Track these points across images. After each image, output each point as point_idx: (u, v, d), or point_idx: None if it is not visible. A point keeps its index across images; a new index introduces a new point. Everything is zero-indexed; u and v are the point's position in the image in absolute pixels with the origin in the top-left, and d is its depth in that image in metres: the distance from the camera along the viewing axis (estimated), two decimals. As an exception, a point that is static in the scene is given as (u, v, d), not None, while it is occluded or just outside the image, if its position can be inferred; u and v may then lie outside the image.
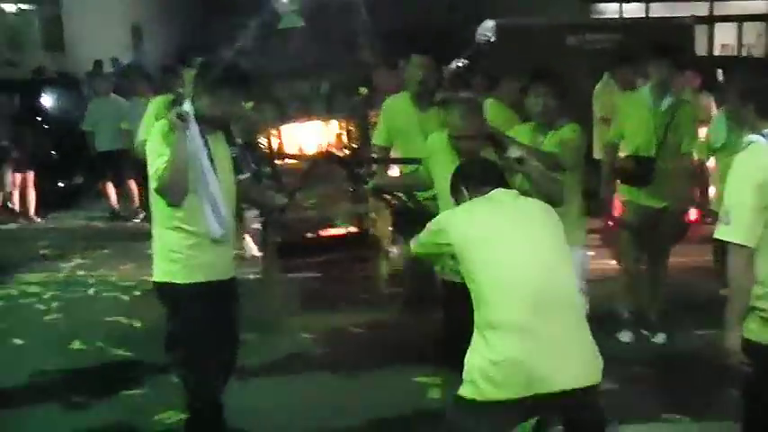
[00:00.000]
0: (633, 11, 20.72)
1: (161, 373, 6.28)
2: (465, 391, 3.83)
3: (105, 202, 13.01)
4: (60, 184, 13.95)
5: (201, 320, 4.75)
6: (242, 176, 5.05)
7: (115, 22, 22.71)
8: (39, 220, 12.78)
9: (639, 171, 6.71)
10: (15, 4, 22.52)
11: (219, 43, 18.00)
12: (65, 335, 7.41)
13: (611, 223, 9.49)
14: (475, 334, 3.89)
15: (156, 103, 6.39)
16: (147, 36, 24.67)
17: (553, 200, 4.79)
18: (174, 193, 4.61)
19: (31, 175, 12.74)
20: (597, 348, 3.89)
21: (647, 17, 19.91)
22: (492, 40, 12.84)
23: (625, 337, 6.88)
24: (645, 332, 6.94)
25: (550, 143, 5.56)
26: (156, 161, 4.60)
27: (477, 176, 4.32)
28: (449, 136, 5.08)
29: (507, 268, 3.85)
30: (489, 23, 13.26)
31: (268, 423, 5.56)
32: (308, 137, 7.82)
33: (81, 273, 9.68)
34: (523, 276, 3.84)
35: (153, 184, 4.64)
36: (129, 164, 12.55)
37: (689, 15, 14.61)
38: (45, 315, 8.13)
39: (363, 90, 7.84)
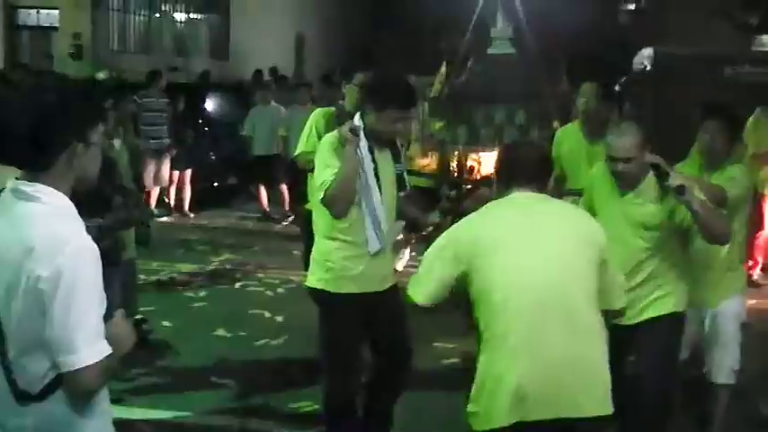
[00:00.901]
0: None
1: (300, 364, 6.57)
2: (472, 421, 3.65)
3: (257, 203, 13.48)
4: (215, 184, 14.52)
5: (346, 329, 4.88)
6: (402, 193, 5.11)
7: (280, 32, 23.42)
8: (191, 215, 13.29)
9: None
10: (186, 13, 23.52)
11: (383, 57, 18.44)
12: (210, 322, 7.75)
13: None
14: (480, 352, 3.67)
15: (316, 114, 6.47)
16: (310, 47, 25.30)
17: (716, 236, 4.57)
18: (340, 205, 4.70)
19: (188, 173, 13.30)
20: (609, 377, 3.63)
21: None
22: (648, 68, 12.79)
23: None
24: None
25: (717, 183, 5.15)
26: (324, 173, 4.69)
27: (504, 171, 3.95)
28: (606, 157, 4.79)
29: (513, 279, 3.56)
30: (647, 51, 13.19)
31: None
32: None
33: (229, 267, 10.07)
34: (529, 288, 3.55)
35: (318, 195, 4.71)
36: (282, 169, 13.01)
37: None
38: (192, 302, 8.51)
39: (556, 123, 7.76)
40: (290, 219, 12.99)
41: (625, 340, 4.66)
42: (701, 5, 19.93)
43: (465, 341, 6.89)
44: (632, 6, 27.14)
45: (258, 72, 18.86)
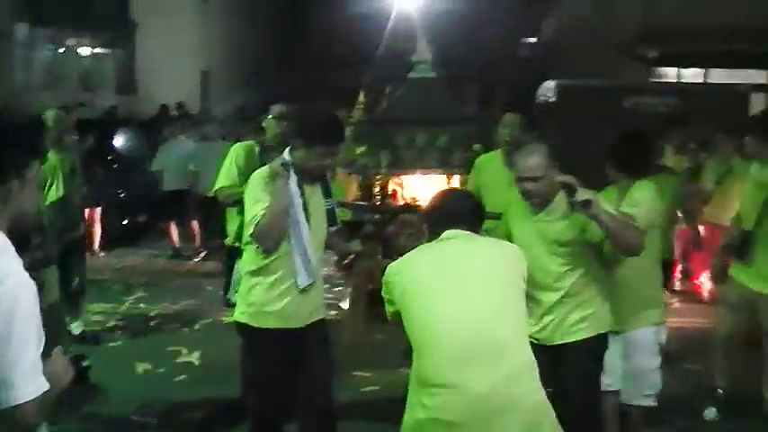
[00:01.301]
0: (692, 76, 20.88)
1: (220, 400, 6.62)
2: None
3: (168, 240, 13.37)
4: (125, 222, 14.37)
5: (269, 364, 4.90)
6: (333, 228, 5.12)
7: (186, 67, 23.38)
8: (102, 254, 13.11)
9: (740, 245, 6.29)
10: (91, 47, 23.32)
11: (292, 92, 18.55)
12: (128, 361, 7.70)
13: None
14: (409, 391, 3.77)
15: (236, 149, 6.33)
16: (215, 82, 25.28)
17: (628, 247, 4.69)
18: (270, 240, 4.70)
19: (97, 211, 13.11)
20: (548, 407, 3.71)
21: (705, 83, 20.04)
22: (552, 99, 13.12)
23: (710, 414, 6.51)
24: None
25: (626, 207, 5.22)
26: (254, 208, 4.70)
27: (435, 215, 4.11)
28: (515, 178, 4.87)
29: (438, 320, 3.66)
30: (550, 84, 13.54)
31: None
32: (421, 188, 7.74)
33: (142, 305, 10.00)
34: (454, 329, 3.63)
35: (248, 230, 4.71)
36: (192, 205, 13.01)
37: (745, 83, 14.78)
38: (108, 342, 8.43)
39: (477, 146, 7.84)
40: (203, 255, 12.97)
41: (550, 361, 4.66)
42: (601, 39, 20.55)
43: (382, 371, 7.07)
44: (533, 40, 27.78)
45: (164, 107, 18.80)
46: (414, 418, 3.66)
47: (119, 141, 15.21)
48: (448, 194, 4.36)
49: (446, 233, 3.94)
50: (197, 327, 9.08)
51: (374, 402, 6.63)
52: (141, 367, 7.58)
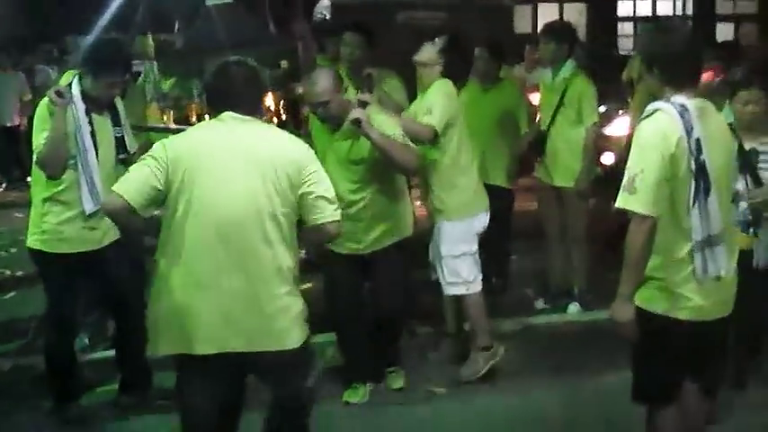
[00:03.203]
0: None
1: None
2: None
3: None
4: None
5: (62, 287, 5.11)
6: (122, 156, 5.19)
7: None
8: None
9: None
10: None
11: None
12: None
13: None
14: (158, 270, 3.73)
15: (64, 77, 6.62)
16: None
17: (399, 167, 5.04)
18: (52, 166, 4.87)
19: None
20: (291, 312, 3.74)
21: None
22: (328, 17, 13.79)
23: (538, 304, 7.20)
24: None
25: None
26: (39, 136, 4.85)
27: (214, 93, 3.95)
28: (307, 105, 5.16)
29: (194, 212, 3.59)
30: (325, 2, 14.17)
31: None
32: None
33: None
34: (214, 219, 3.59)
35: (34, 157, 4.91)
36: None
37: (511, -3, 15.89)
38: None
39: (284, 63, 8.06)
40: (4, 186, 13.29)
41: (361, 267, 5.33)
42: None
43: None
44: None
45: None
46: (159, 303, 3.72)
47: None
48: (225, 68, 3.94)
49: (225, 114, 3.79)
50: (13, 250, 9.57)
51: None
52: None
